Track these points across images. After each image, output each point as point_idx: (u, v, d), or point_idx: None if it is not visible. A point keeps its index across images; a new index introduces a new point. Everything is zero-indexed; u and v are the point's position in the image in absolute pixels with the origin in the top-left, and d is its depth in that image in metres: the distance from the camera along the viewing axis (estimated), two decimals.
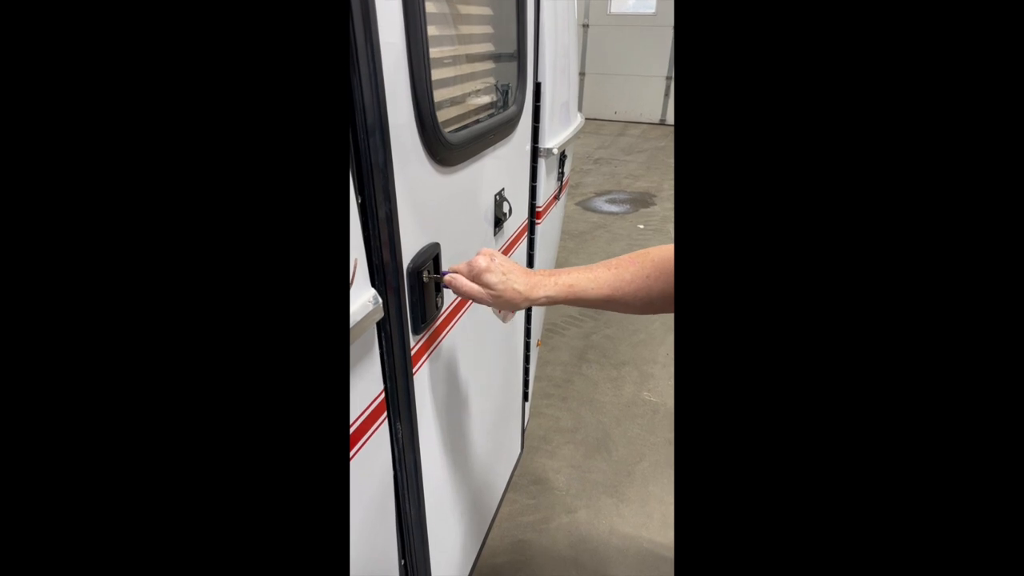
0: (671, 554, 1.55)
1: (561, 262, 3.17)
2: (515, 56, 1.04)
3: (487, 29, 0.97)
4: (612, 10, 6.97)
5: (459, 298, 0.94)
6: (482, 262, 0.72)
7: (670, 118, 7.11)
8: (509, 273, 0.72)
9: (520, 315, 1.44)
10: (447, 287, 0.76)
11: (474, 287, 0.72)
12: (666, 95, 7.08)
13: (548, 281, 0.72)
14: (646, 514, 1.68)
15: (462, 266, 0.74)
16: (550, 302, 0.73)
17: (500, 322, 0.85)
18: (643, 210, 4.22)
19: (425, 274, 0.76)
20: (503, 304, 0.72)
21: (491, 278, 0.71)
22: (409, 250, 0.73)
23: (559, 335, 2.60)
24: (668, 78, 6.96)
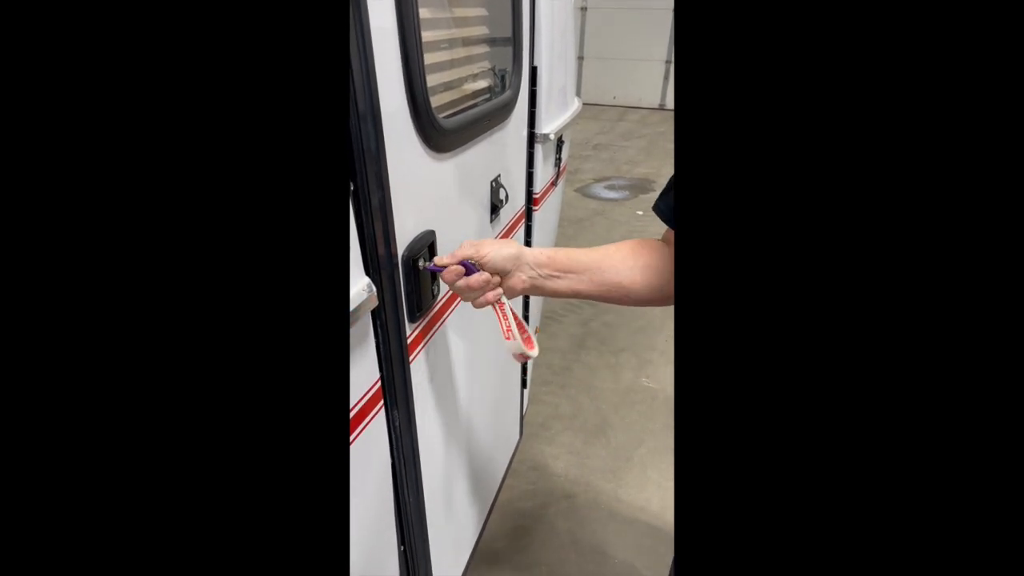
0: (669, 539, 1.57)
1: None
2: (511, 39, 1.02)
3: (481, 12, 0.95)
4: None
5: None
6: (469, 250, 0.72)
7: (669, 103, 7.05)
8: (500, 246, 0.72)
9: (518, 302, 1.44)
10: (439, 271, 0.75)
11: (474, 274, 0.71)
12: (665, 79, 7.01)
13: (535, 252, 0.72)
14: (644, 499, 1.69)
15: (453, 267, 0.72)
16: (540, 262, 0.72)
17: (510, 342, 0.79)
18: (642, 196, 4.19)
19: (421, 261, 0.76)
20: (494, 264, 0.71)
21: (482, 247, 0.71)
22: (404, 238, 0.73)
23: (557, 323, 2.60)
24: (668, 62, 6.89)
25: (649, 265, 0.68)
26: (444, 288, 0.89)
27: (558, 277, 0.71)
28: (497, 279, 0.72)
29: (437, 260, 0.74)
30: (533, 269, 0.72)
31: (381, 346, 0.72)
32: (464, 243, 0.74)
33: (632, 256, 0.70)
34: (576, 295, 0.72)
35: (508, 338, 0.75)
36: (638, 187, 4.38)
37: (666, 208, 0.67)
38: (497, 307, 0.75)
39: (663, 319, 2.61)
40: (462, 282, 0.71)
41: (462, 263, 0.72)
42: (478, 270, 0.72)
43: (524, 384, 1.64)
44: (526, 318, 1.52)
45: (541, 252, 0.73)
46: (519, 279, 0.72)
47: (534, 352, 0.78)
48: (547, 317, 2.63)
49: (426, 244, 0.78)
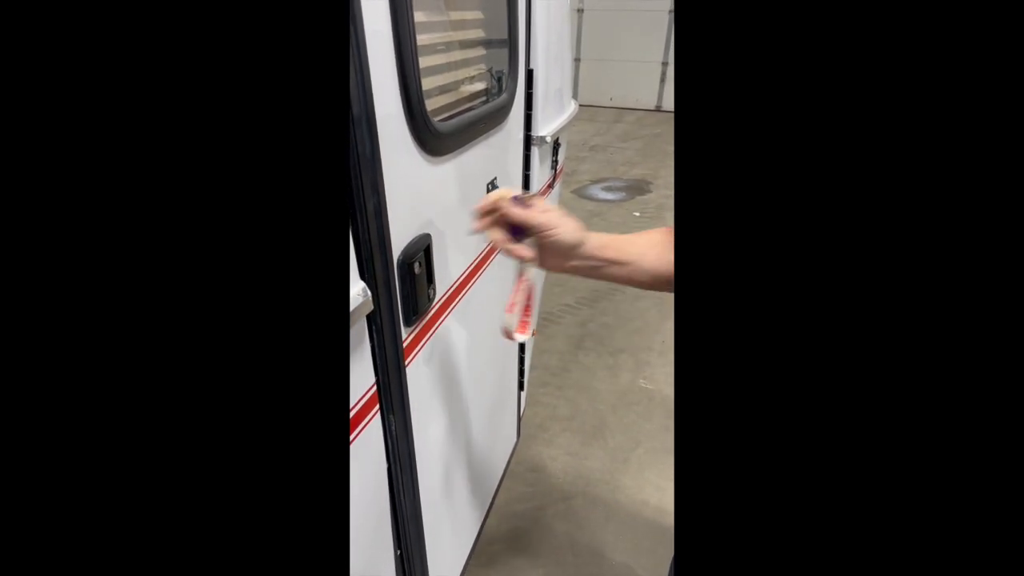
0: (668, 540, 1.57)
1: None
2: (506, 42, 1.02)
3: (477, 15, 0.96)
4: None
5: (452, 289, 0.94)
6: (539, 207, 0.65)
7: (666, 104, 7.06)
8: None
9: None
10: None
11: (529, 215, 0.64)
12: (662, 81, 7.02)
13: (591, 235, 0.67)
14: (642, 500, 1.69)
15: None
16: (592, 253, 0.68)
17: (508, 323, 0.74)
18: (639, 197, 4.20)
19: (416, 266, 0.75)
20: (560, 242, 0.65)
21: (555, 217, 0.65)
22: (399, 242, 0.73)
23: (555, 324, 2.60)
24: (664, 64, 6.90)
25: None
26: (440, 292, 0.89)
27: (602, 267, 0.69)
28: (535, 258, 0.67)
29: (509, 210, 0.65)
30: (584, 260, 0.68)
31: (377, 351, 0.72)
32: (537, 199, 0.67)
33: (669, 245, 0.68)
34: (613, 281, 0.70)
35: (508, 311, 0.74)
36: (635, 188, 4.39)
37: None
38: (520, 281, 0.72)
39: (660, 320, 2.61)
40: (507, 246, 0.66)
41: (514, 227, 0.66)
42: (526, 234, 0.66)
43: (521, 386, 1.64)
44: None
45: (599, 241, 0.68)
46: (570, 264, 0.68)
47: (521, 337, 0.77)
48: (544, 318, 2.63)
49: (422, 248, 0.77)
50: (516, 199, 0.66)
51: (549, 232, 0.65)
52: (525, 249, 0.66)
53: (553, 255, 0.68)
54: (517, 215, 0.65)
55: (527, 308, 0.76)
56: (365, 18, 0.57)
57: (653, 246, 0.69)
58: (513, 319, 0.75)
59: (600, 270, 0.69)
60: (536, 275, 0.72)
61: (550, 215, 0.65)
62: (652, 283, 0.68)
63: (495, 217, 0.66)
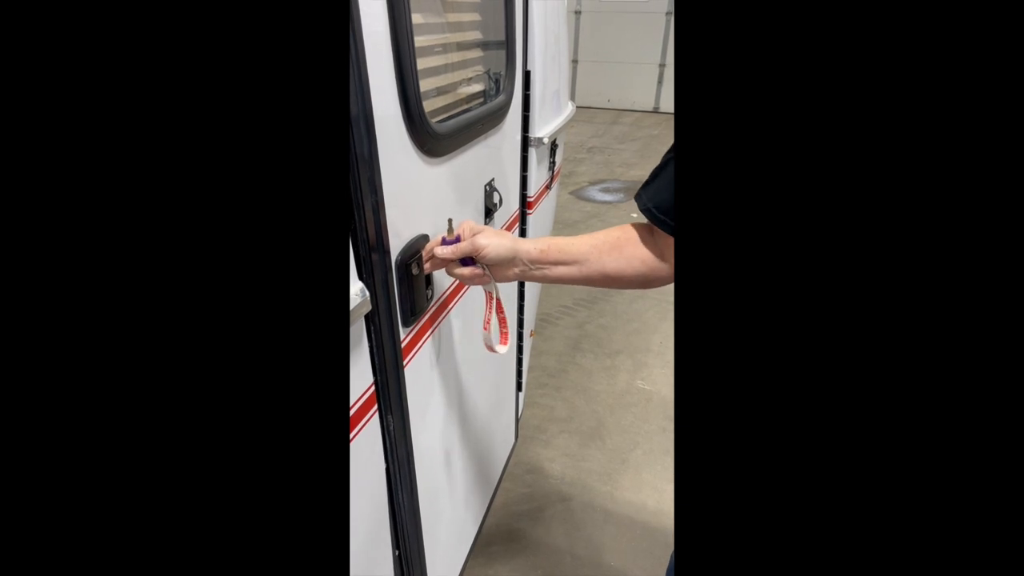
0: (665, 541, 1.57)
1: None
2: (504, 44, 1.02)
3: (474, 16, 0.96)
4: None
5: (450, 290, 0.94)
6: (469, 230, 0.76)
7: (663, 106, 7.08)
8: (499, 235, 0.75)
9: (513, 305, 1.44)
10: (427, 262, 0.78)
11: (458, 247, 0.74)
12: (659, 83, 7.04)
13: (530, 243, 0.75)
14: (640, 501, 1.69)
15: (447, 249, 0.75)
16: (533, 258, 0.75)
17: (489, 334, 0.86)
18: None
19: (414, 267, 0.76)
20: (492, 258, 0.74)
21: (481, 239, 0.73)
22: (397, 242, 0.73)
23: (553, 325, 2.60)
24: (661, 65, 6.92)
25: (635, 256, 0.73)
26: (438, 292, 0.89)
27: (548, 269, 0.75)
28: (487, 275, 0.77)
29: (439, 252, 0.75)
30: (526, 264, 0.75)
31: (375, 351, 0.72)
32: (464, 225, 0.76)
33: (619, 248, 0.74)
34: (563, 282, 0.77)
35: (485, 328, 0.85)
36: (633, 190, 4.39)
37: (648, 200, 0.69)
38: (487, 298, 0.83)
39: (657, 321, 2.62)
40: (457, 271, 0.76)
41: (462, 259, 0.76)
42: (473, 262, 0.76)
43: (519, 387, 1.64)
44: (520, 321, 1.52)
45: (534, 247, 0.75)
46: (512, 271, 0.76)
47: (502, 349, 0.87)
48: (542, 319, 2.63)
49: (420, 248, 0.78)
50: (444, 240, 0.75)
51: (480, 255, 0.73)
52: (480, 276, 0.76)
53: (496, 269, 0.76)
54: (444, 254, 0.74)
55: (502, 320, 0.86)
56: (363, 19, 0.57)
57: (598, 247, 0.74)
58: (491, 334, 0.84)
59: (548, 272, 0.75)
60: (500, 289, 0.81)
61: (476, 239, 0.73)
62: (604, 281, 0.75)
63: (435, 261, 0.76)
